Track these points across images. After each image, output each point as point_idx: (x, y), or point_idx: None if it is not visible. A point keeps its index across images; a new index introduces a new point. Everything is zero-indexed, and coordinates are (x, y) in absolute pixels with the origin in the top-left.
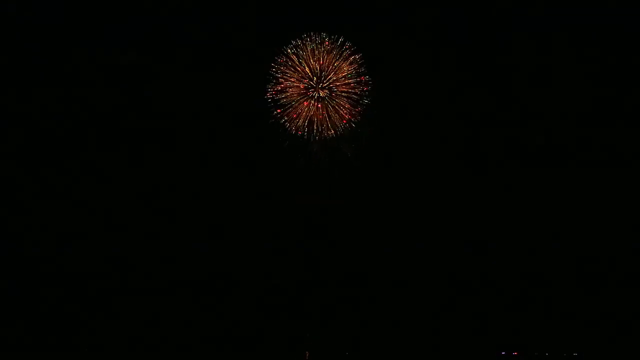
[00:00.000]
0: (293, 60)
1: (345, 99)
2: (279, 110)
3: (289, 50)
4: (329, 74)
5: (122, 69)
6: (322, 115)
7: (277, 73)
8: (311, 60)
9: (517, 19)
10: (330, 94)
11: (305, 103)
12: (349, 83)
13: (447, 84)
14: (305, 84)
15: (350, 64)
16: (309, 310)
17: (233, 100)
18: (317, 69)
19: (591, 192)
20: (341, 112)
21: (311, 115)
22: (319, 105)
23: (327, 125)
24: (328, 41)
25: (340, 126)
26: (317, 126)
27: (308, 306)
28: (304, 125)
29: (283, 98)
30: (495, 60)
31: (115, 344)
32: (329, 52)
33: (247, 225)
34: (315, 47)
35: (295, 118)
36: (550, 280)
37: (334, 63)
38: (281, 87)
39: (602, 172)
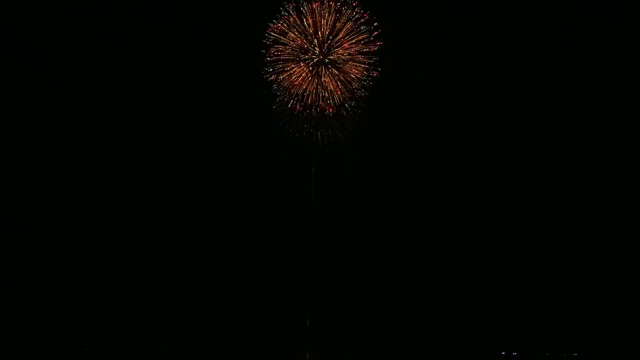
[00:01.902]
0: (294, 17)
1: (354, 69)
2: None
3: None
4: (338, 35)
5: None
6: (325, 84)
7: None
8: (318, 19)
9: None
10: (337, 61)
11: (302, 66)
12: (359, 51)
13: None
14: (306, 45)
15: (361, 25)
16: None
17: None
18: (324, 32)
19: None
20: (348, 79)
21: (308, 83)
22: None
23: (328, 95)
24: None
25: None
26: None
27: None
28: (303, 92)
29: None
30: None
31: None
32: (334, 13)
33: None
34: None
35: (293, 86)
36: (550, 280)
37: (343, 24)
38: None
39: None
